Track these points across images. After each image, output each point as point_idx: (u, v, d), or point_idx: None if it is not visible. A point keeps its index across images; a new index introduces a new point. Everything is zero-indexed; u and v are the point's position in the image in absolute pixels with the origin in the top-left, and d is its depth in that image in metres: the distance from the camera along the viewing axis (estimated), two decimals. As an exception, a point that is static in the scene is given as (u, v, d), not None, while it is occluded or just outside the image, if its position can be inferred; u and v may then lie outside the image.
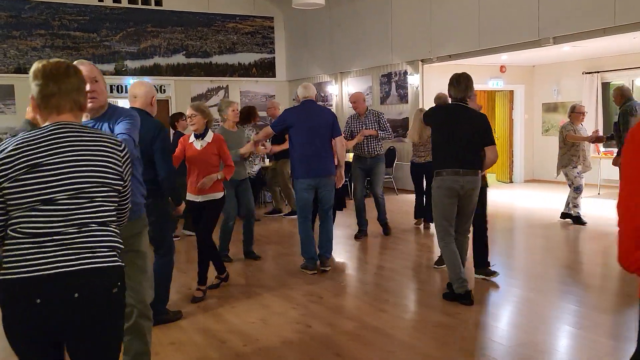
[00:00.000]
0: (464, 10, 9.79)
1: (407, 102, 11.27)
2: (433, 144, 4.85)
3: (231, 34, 14.39)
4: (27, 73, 2.16)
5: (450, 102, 4.86)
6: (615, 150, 7.92)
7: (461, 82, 4.68)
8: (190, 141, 5.03)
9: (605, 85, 11.59)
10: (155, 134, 4.00)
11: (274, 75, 14.91)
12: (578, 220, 7.64)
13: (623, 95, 7.30)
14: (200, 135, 4.99)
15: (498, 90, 12.80)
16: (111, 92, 13.33)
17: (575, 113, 7.66)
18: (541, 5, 8.54)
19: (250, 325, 4.33)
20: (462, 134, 4.60)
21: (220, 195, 5.04)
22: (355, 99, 7.29)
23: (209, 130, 5.06)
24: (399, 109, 11.49)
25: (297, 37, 14.48)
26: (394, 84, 11.64)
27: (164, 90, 13.84)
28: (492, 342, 3.94)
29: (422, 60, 10.88)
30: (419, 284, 5.43)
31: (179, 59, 13.91)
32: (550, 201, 9.79)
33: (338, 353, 3.78)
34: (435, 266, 5.78)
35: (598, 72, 11.38)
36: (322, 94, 13.58)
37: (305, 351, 3.83)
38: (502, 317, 4.50)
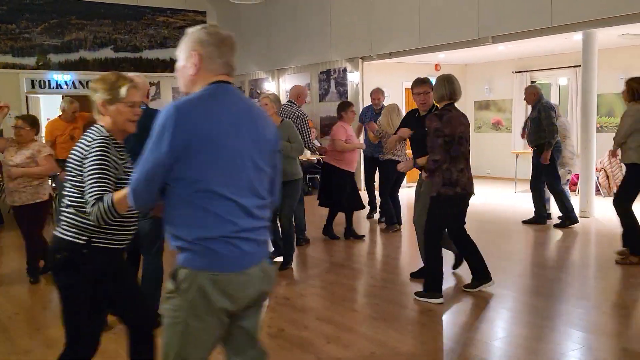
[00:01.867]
0: (405, 8, 9.90)
1: (346, 99, 11.27)
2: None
3: (162, 28, 13.89)
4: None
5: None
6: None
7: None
8: None
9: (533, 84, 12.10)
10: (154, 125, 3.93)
11: (207, 71, 14.52)
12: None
13: (537, 94, 7.58)
14: None
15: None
16: (32, 87, 12.56)
17: None
18: (481, 5, 8.76)
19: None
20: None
21: None
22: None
23: None
24: (338, 106, 11.47)
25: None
26: (333, 81, 11.62)
27: (91, 86, 13.16)
28: (472, 340, 3.96)
29: (362, 58, 10.92)
30: (384, 282, 5.41)
31: (107, 53, 13.27)
32: (485, 197, 10.08)
33: (318, 356, 3.67)
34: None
35: (527, 71, 11.87)
36: (258, 91, 13.39)
37: (284, 356, 3.70)
38: (478, 313, 4.54)
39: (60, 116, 7.29)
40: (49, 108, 13.93)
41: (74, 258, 2.55)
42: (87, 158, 2.47)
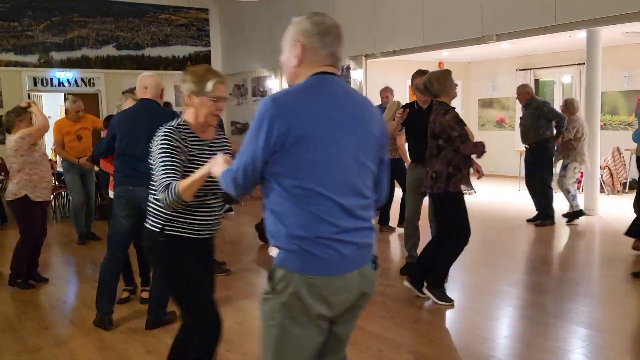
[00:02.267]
0: (409, 6, 9.89)
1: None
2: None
3: (164, 26, 13.86)
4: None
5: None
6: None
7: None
8: None
9: (537, 82, 12.10)
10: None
11: (209, 69, 14.50)
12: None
13: (530, 92, 7.63)
14: None
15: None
16: (35, 85, 12.56)
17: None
18: (485, 3, 8.75)
19: (229, 329, 4.12)
20: None
21: None
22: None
23: None
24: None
25: (233, 30, 14.16)
26: (336, 79, 11.61)
27: (93, 84, 13.17)
28: (479, 337, 3.97)
29: (365, 56, 10.91)
30: (390, 280, 5.42)
31: (109, 50, 13.25)
32: (489, 195, 10.09)
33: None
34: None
35: (531, 69, 11.87)
36: (262, 89, 13.39)
37: (293, 354, 3.71)
38: (483, 311, 4.55)
39: (66, 115, 7.33)
40: (51, 106, 13.95)
41: (154, 246, 2.66)
42: (154, 148, 2.59)
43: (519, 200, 9.42)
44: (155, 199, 2.62)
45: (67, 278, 5.91)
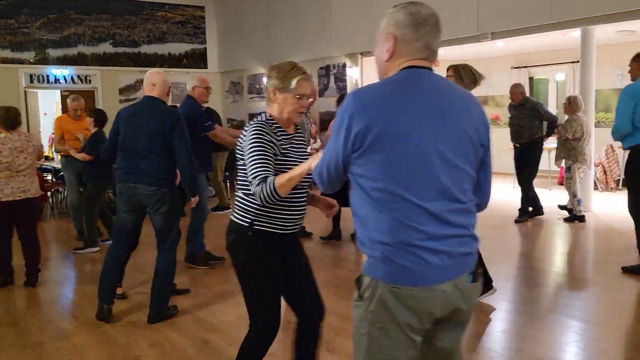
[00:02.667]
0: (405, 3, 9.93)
1: (346, 94, 11.33)
2: None
3: (160, 23, 13.89)
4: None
5: None
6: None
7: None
8: None
9: (531, 80, 12.19)
10: (174, 124, 4.05)
11: (205, 67, 14.54)
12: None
13: (523, 92, 7.71)
14: None
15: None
16: (31, 82, 12.56)
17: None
18: (480, 1, 8.82)
19: (229, 324, 4.22)
20: None
21: None
22: None
23: None
24: (337, 102, 11.53)
25: (229, 28, 14.19)
26: (332, 77, 11.67)
27: (90, 81, 13.20)
28: (478, 331, 4.04)
29: (361, 53, 10.97)
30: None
31: (106, 48, 13.28)
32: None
33: (328, 348, 3.75)
34: None
35: (525, 67, 11.95)
36: (258, 86, 13.42)
37: (294, 348, 3.77)
38: (481, 306, 4.62)
39: (67, 113, 7.38)
40: (47, 103, 13.95)
41: (240, 240, 2.64)
42: (246, 142, 2.54)
43: (513, 197, 9.49)
44: (245, 193, 2.60)
45: (67, 274, 5.95)
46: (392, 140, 1.70)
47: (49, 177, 9.30)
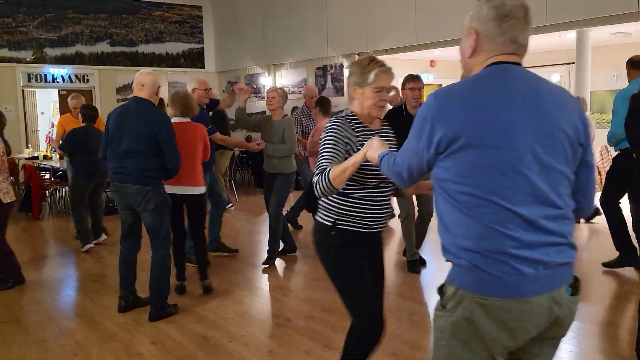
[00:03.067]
0: (401, 4, 10.01)
1: (343, 95, 11.40)
2: None
3: (158, 23, 13.91)
4: None
5: None
6: None
7: None
8: None
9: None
10: (160, 125, 4.11)
11: (203, 66, 14.58)
12: None
13: None
14: None
15: (428, 85, 13.22)
16: (29, 81, 12.57)
17: None
18: (476, 2, 8.88)
19: (230, 322, 4.27)
20: None
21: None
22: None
23: None
24: (334, 102, 11.54)
25: (227, 28, 14.23)
26: (329, 77, 11.73)
27: (87, 80, 13.21)
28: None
29: (358, 54, 11.02)
30: (389, 275, 5.54)
31: (103, 47, 13.29)
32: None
33: (326, 345, 3.81)
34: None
35: (521, 68, 12.02)
36: (255, 86, 13.47)
37: (294, 345, 3.83)
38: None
39: (70, 112, 7.45)
40: (45, 102, 13.97)
41: (324, 240, 2.62)
42: (322, 137, 2.51)
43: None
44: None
45: (67, 272, 5.98)
46: (479, 143, 1.59)
47: (47, 176, 9.33)
